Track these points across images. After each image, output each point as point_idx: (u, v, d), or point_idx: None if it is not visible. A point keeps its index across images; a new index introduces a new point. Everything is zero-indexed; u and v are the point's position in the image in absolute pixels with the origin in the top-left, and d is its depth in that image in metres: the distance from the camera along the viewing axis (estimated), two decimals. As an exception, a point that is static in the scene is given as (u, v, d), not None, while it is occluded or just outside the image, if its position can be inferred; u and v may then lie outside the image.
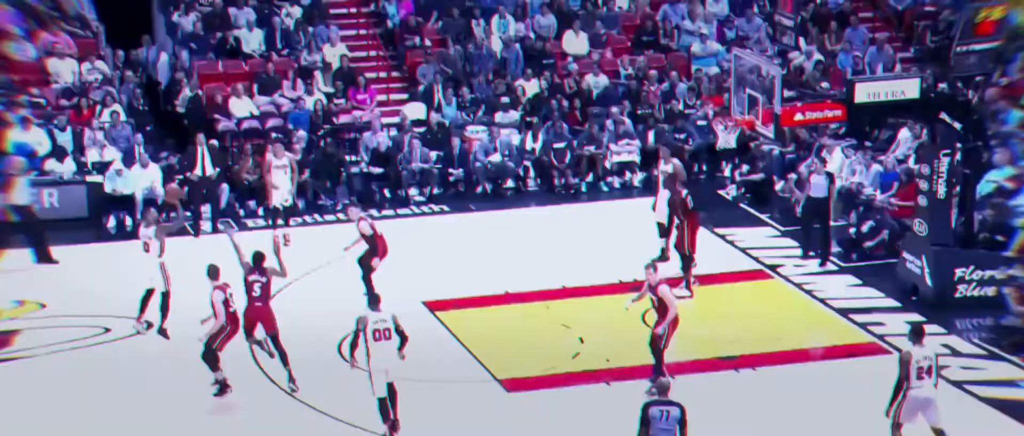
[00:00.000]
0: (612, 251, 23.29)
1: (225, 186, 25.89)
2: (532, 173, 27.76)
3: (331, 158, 26.91)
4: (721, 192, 27.19)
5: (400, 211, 26.16)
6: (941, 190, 20.79)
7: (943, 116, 20.71)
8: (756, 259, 23.34)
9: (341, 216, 25.47)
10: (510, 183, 27.43)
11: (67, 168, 26.05)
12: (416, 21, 30.75)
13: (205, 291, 17.98)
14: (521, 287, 21.84)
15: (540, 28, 30.90)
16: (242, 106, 28.00)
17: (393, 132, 27.80)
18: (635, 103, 29.11)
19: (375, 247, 21.05)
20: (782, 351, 19.40)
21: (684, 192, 21.73)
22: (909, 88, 20.67)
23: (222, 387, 17.98)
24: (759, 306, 21.34)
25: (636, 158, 27.83)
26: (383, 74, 30.08)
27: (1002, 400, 17.83)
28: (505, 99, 28.98)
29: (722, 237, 24.35)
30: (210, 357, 17.86)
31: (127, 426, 17.62)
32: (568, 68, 29.86)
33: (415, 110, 28.69)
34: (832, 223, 23.20)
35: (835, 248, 23.25)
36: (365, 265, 21.05)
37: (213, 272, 17.96)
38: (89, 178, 25.78)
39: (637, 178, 27.63)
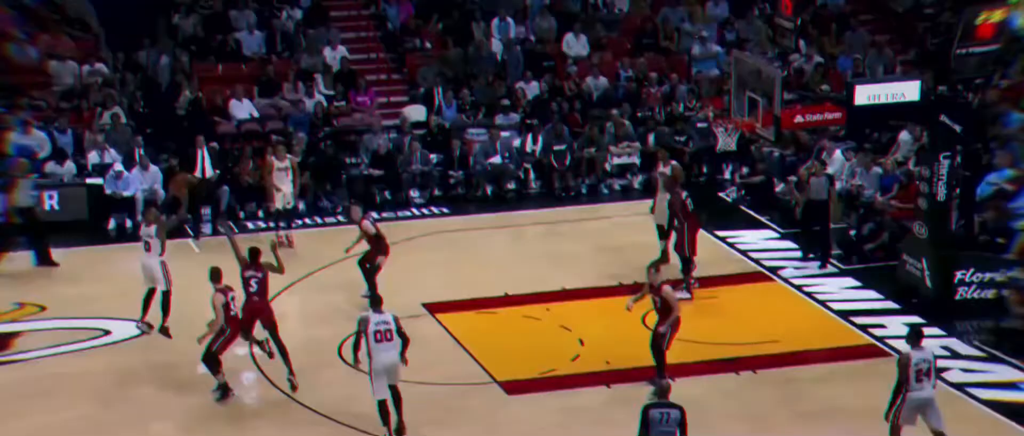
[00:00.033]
0: (612, 253, 23.33)
1: (225, 188, 25.91)
2: (532, 175, 27.77)
3: (331, 160, 26.93)
4: (721, 194, 27.23)
5: (400, 213, 26.18)
6: (941, 192, 20.79)
7: (943, 118, 20.71)
8: (756, 261, 23.34)
9: (341, 218, 25.53)
10: (510, 185, 27.45)
11: (67, 170, 26.09)
12: (416, 23, 30.79)
13: (207, 294, 17.99)
14: (521, 289, 21.84)
15: (540, 30, 30.92)
16: (242, 108, 28.02)
17: (393, 134, 27.83)
18: (635, 105, 29.13)
19: (379, 246, 21.05)
20: (782, 353, 19.39)
21: (684, 194, 21.74)
22: (909, 90, 20.65)
23: (224, 391, 17.97)
24: (759, 308, 21.33)
25: (636, 160, 27.87)
26: (383, 76, 30.11)
27: (1002, 402, 17.82)
28: (505, 101, 29.02)
29: (722, 239, 24.36)
30: (211, 360, 17.86)
31: (127, 428, 17.62)
32: (568, 70, 29.88)
33: (415, 112, 28.72)
34: (832, 225, 23.21)
35: (835, 250, 23.26)
36: (367, 265, 21.05)
37: (215, 275, 17.97)
38: (89, 180, 25.81)
39: (637, 180, 27.66)
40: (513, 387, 18.45)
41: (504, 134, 27.85)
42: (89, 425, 17.69)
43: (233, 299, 17.82)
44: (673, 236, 21.89)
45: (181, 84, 28.34)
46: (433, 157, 27.47)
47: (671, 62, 30.54)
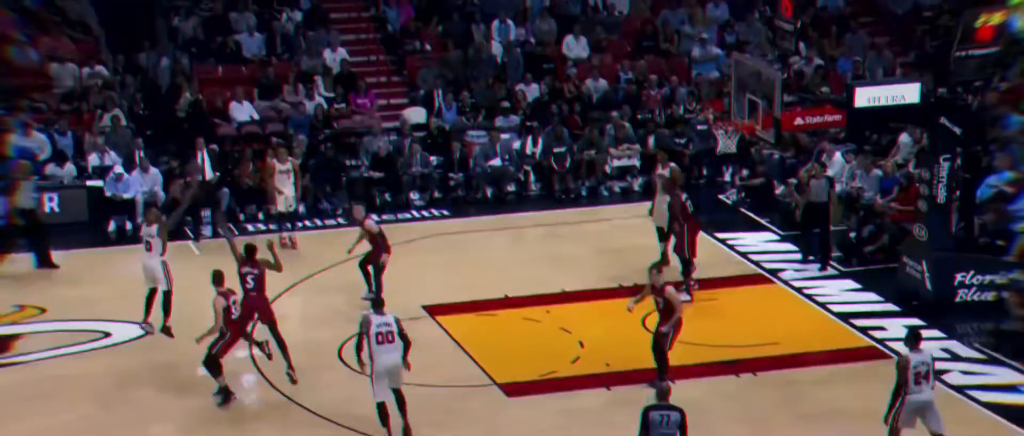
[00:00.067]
0: (612, 255, 23.34)
1: (225, 190, 25.91)
2: (532, 177, 27.77)
3: (331, 162, 26.93)
4: (721, 197, 27.24)
5: (400, 215, 26.18)
6: (941, 194, 20.79)
7: (943, 121, 20.71)
8: (756, 263, 23.34)
9: (341, 220, 25.56)
10: (510, 187, 27.45)
11: (67, 173, 26.10)
12: (416, 25, 30.80)
13: (207, 294, 18.00)
14: (521, 291, 21.84)
15: (540, 33, 30.93)
16: (242, 110, 28.02)
17: (393, 136, 27.84)
18: (635, 108, 29.14)
19: (381, 245, 21.05)
20: (782, 355, 19.38)
21: (683, 196, 21.74)
22: (909, 93, 20.65)
23: (225, 395, 17.96)
24: (759, 311, 21.32)
25: (636, 162, 27.88)
26: (383, 78, 30.12)
27: (1003, 405, 17.82)
28: (505, 103, 29.03)
29: (722, 241, 24.36)
30: (212, 364, 17.86)
31: (127, 430, 17.61)
32: (568, 73, 29.89)
33: (415, 114, 28.72)
34: (832, 227, 23.21)
35: (835, 252, 23.26)
36: (371, 266, 21.04)
37: (218, 278, 17.97)
38: (89, 182, 25.81)
39: (637, 183, 27.67)
40: (513, 389, 18.45)
41: (504, 136, 27.86)
42: (89, 427, 17.69)
43: (234, 303, 17.83)
44: (673, 238, 21.89)
45: (181, 86, 28.35)
46: (433, 159, 27.47)
47: (671, 64, 30.55)
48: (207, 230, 25.11)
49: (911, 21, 32.06)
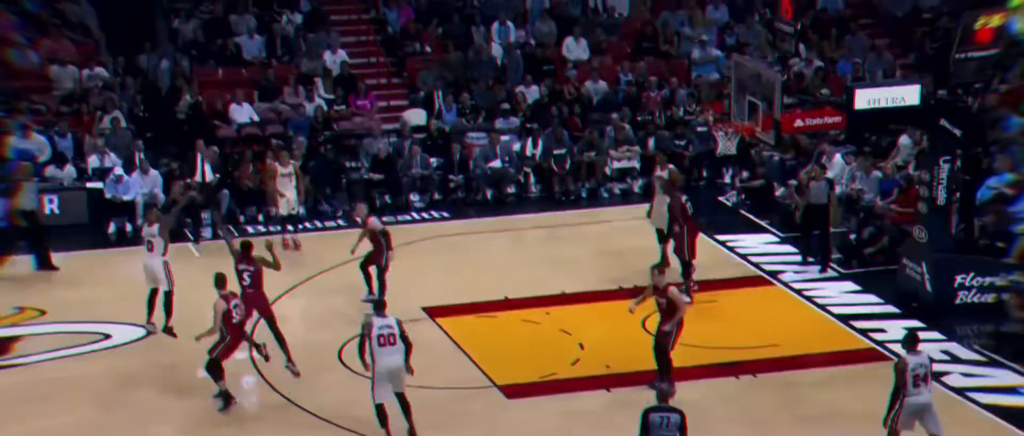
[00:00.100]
0: (612, 257, 23.34)
1: (225, 192, 25.91)
2: (532, 179, 27.78)
3: (331, 164, 26.94)
4: (721, 198, 27.24)
5: (400, 217, 26.18)
6: (941, 196, 20.79)
7: (943, 123, 20.72)
8: (756, 265, 23.34)
9: (341, 222, 25.56)
10: (510, 189, 27.46)
11: (67, 174, 26.10)
12: (416, 27, 30.81)
13: (207, 295, 18.00)
14: (521, 293, 21.85)
15: (540, 35, 30.94)
16: (242, 112, 28.03)
17: (393, 138, 27.84)
18: (635, 109, 29.15)
19: (384, 244, 21.05)
20: (782, 357, 19.38)
21: (683, 197, 21.74)
22: (909, 94, 20.65)
23: (226, 399, 17.93)
24: (759, 312, 21.32)
25: (636, 164, 27.89)
26: (383, 80, 30.13)
27: (1003, 407, 17.81)
28: (505, 105, 29.04)
29: (722, 243, 24.37)
30: (214, 368, 17.85)
31: (127, 432, 17.61)
32: (568, 74, 29.90)
33: (415, 116, 28.74)
34: (832, 229, 23.22)
35: (835, 254, 23.26)
36: (373, 266, 21.03)
37: (220, 281, 17.97)
38: (89, 184, 25.82)
39: (637, 184, 27.68)
40: (513, 391, 18.45)
41: (504, 138, 27.86)
42: (89, 429, 17.68)
43: (235, 306, 17.81)
44: (672, 240, 21.89)
45: (181, 88, 28.36)
46: (433, 161, 27.49)
47: (671, 66, 30.56)
48: (207, 232, 25.10)
49: (911, 23, 32.08)
